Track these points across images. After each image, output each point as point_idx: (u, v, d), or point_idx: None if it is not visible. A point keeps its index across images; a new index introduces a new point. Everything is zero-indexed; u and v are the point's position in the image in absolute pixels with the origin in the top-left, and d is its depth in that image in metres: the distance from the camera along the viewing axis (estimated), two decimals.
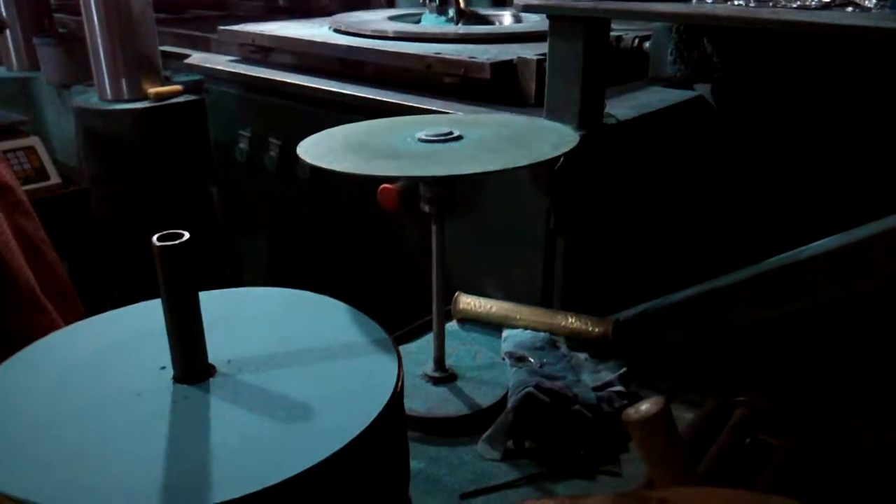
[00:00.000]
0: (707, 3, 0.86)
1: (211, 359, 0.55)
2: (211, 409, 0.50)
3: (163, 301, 0.51)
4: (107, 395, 0.52)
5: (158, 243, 0.49)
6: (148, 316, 0.61)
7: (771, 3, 0.82)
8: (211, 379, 0.53)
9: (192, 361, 0.53)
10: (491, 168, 0.71)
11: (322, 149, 0.80)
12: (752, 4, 0.83)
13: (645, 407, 0.57)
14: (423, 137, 0.80)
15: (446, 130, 0.81)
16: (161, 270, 0.50)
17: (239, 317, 0.62)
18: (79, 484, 0.43)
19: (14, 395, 0.52)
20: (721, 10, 0.80)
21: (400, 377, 0.54)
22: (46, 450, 0.46)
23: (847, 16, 0.77)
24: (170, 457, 0.46)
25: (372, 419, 0.48)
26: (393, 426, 0.53)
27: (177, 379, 0.53)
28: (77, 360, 0.56)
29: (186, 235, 0.50)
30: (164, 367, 0.54)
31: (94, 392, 0.52)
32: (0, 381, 0.53)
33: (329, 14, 1.70)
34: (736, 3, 0.82)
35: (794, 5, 0.82)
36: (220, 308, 0.61)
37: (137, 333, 0.59)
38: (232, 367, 0.55)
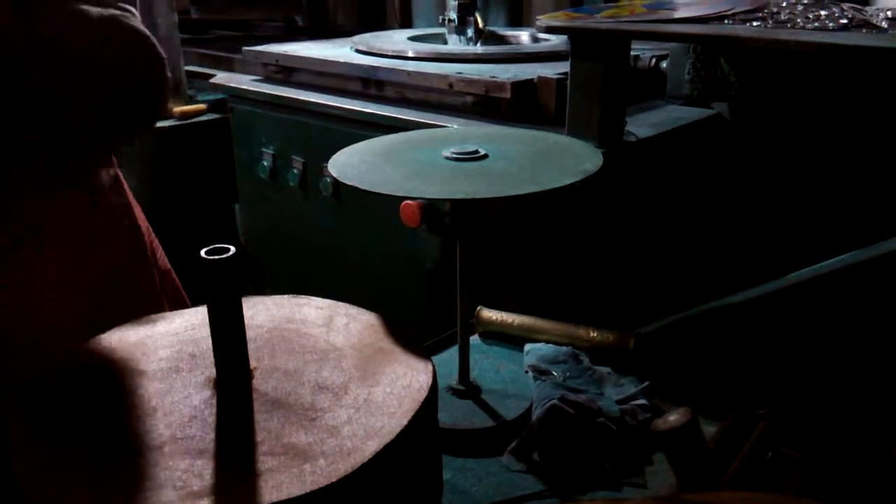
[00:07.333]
0: (726, 24, 0.88)
1: (252, 364, 0.57)
2: (255, 413, 0.52)
3: (209, 310, 0.53)
4: (155, 395, 0.54)
5: (207, 257, 0.51)
6: (190, 322, 0.64)
7: (789, 25, 0.83)
8: (252, 382, 0.55)
9: (234, 366, 0.55)
10: (521, 191, 0.72)
11: (350, 166, 0.81)
12: (770, 25, 0.85)
13: (673, 417, 0.59)
14: (450, 155, 0.82)
15: (472, 148, 0.83)
16: (208, 283, 0.52)
17: (279, 324, 0.64)
18: (134, 483, 0.45)
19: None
20: (742, 31, 0.82)
21: (434, 381, 0.56)
22: (105, 444, 0.49)
23: (863, 37, 0.79)
24: (218, 459, 0.47)
25: (409, 419, 0.50)
26: (428, 429, 0.55)
27: (220, 382, 0.55)
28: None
29: (232, 250, 0.52)
30: (207, 371, 0.56)
31: (143, 392, 0.54)
32: None
33: (346, 34, 1.74)
34: (755, 24, 0.84)
35: (812, 27, 0.83)
36: (260, 315, 0.63)
37: (181, 338, 0.62)
38: (272, 372, 0.57)
